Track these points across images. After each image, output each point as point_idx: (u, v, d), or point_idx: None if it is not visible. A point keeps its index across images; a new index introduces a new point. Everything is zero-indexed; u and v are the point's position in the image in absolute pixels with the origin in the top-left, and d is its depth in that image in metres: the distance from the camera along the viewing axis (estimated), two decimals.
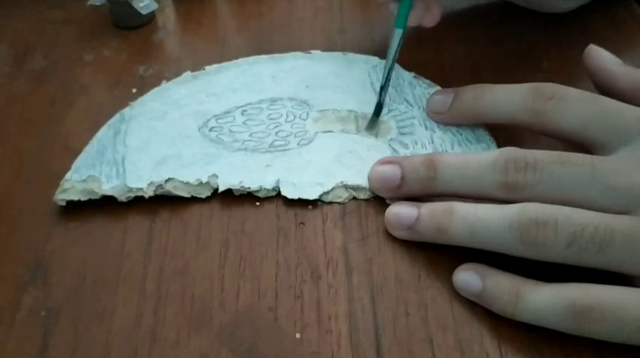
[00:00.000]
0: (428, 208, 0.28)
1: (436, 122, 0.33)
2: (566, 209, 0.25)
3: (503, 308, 0.26)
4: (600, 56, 0.32)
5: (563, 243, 0.25)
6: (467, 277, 0.27)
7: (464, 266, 0.27)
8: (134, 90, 0.36)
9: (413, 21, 0.34)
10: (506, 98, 0.30)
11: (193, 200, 0.31)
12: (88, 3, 0.40)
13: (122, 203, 0.31)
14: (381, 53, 0.38)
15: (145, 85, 0.37)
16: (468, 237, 0.27)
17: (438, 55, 0.38)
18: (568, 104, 0.28)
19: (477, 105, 0.31)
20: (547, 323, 0.25)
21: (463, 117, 0.32)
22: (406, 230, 0.29)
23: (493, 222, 0.26)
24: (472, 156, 0.28)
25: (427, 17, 0.35)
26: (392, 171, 0.30)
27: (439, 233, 0.27)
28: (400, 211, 0.29)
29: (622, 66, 0.31)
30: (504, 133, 0.33)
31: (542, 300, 0.25)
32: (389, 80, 0.33)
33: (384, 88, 0.33)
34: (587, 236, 0.25)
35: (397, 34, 0.33)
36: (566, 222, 0.25)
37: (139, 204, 0.31)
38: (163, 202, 0.31)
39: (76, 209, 0.31)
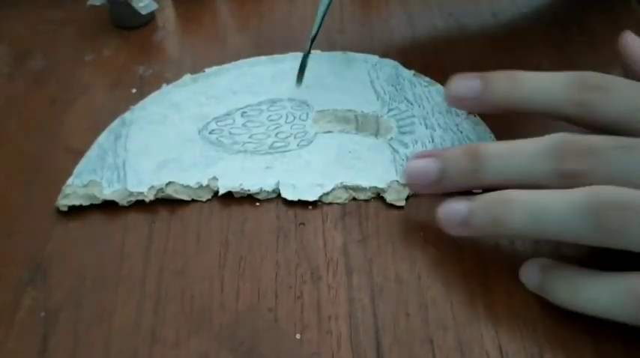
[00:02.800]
0: (481, 200, 0.26)
1: (440, 118, 0.33)
2: None
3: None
4: (637, 45, 0.30)
5: None
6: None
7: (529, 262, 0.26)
8: (134, 91, 0.36)
9: None
10: (546, 88, 0.27)
11: (193, 200, 0.31)
12: (88, 3, 0.40)
13: None
14: (381, 53, 0.38)
15: (144, 85, 0.37)
16: (530, 225, 0.24)
17: (438, 55, 0.38)
18: (616, 93, 0.26)
19: (512, 96, 0.28)
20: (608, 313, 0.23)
21: (494, 107, 0.29)
22: (460, 226, 0.27)
23: (559, 208, 0.24)
24: (517, 144, 0.26)
25: None
26: (429, 164, 0.28)
27: (496, 225, 0.25)
28: (451, 207, 0.27)
29: None
30: (504, 131, 0.33)
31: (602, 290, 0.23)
32: (320, 27, 0.33)
33: (314, 38, 0.34)
34: None
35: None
36: None
37: (138, 204, 0.31)
38: (163, 202, 0.31)
39: (76, 209, 0.30)
